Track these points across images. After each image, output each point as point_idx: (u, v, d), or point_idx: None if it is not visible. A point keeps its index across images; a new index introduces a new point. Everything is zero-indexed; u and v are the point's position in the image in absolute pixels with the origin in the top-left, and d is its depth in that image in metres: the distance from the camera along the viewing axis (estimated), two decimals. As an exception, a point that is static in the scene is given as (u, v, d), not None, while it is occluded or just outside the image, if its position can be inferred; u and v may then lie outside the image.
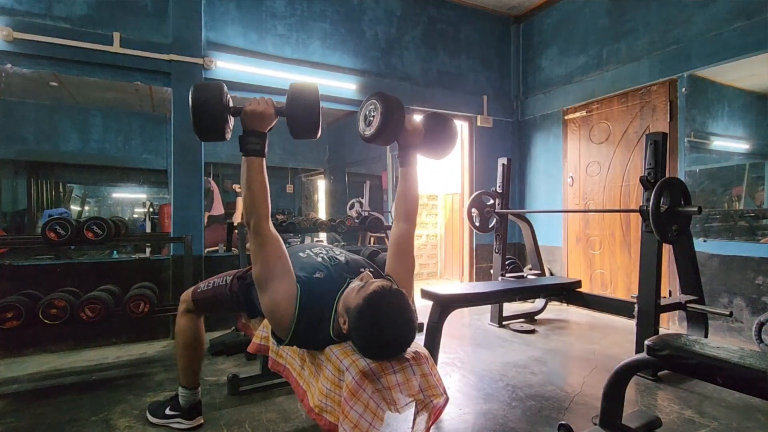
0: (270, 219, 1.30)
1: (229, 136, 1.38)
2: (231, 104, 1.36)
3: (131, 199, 5.15)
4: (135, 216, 5.01)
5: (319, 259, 1.44)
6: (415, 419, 1.26)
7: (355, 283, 1.28)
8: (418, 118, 1.57)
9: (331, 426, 1.18)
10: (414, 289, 1.54)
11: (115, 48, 2.96)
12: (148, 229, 4.56)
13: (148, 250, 3.98)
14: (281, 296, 1.25)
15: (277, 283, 1.26)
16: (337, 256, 1.49)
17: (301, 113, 1.34)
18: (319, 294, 1.29)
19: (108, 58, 2.96)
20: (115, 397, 2.10)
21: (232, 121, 1.39)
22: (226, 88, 1.34)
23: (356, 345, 1.21)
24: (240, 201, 4.73)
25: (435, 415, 1.26)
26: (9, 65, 2.81)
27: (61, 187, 4.65)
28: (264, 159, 1.31)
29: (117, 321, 2.42)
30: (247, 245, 2.74)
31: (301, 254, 1.49)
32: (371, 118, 1.42)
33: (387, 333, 1.16)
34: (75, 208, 4.78)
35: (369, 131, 1.43)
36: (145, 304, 2.41)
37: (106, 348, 2.90)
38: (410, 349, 1.26)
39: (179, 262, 3.00)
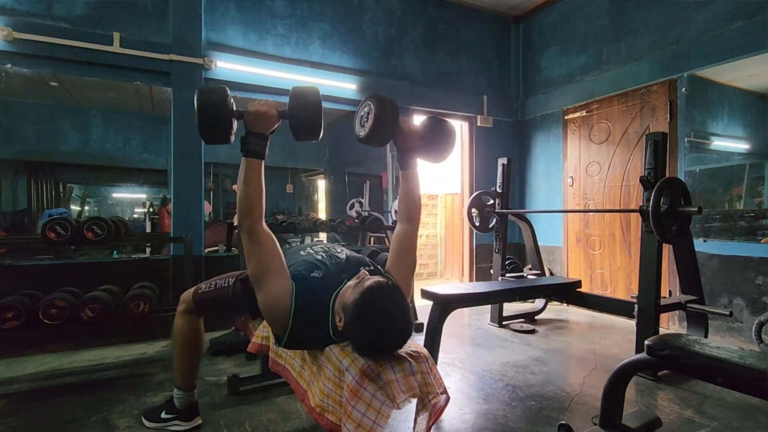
0: (263, 219, 1.31)
1: (233, 138, 1.39)
2: (234, 107, 1.36)
3: (131, 199, 5.14)
4: (135, 216, 5.00)
5: (319, 257, 1.44)
6: (416, 419, 1.26)
7: (352, 282, 1.28)
8: (417, 121, 1.59)
9: (333, 426, 1.18)
10: (413, 288, 1.54)
11: (115, 48, 2.96)
12: (148, 229, 4.56)
13: (148, 250, 3.98)
14: (278, 292, 1.26)
15: (272, 279, 1.27)
16: (338, 254, 1.49)
17: (303, 115, 1.35)
18: (317, 292, 1.30)
19: (108, 58, 2.96)
20: (115, 397, 2.10)
21: (235, 123, 1.40)
22: (229, 91, 1.35)
23: (351, 342, 1.21)
24: None
25: (436, 414, 1.26)
26: (9, 65, 2.81)
27: (61, 187, 4.65)
28: (263, 161, 1.31)
29: (117, 321, 2.42)
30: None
31: (301, 253, 1.49)
32: (365, 119, 1.46)
33: (382, 329, 1.15)
34: (75, 208, 4.77)
35: (363, 132, 1.46)
36: (145, 304, 2.42)
37: (106, 348, 2.90)
38: (409, 349, 1.25)
39: (179, 262, 3.00)
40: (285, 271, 1.31)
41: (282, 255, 1.33)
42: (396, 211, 3.52)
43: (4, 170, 4.26)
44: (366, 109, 1.47)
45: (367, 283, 1.20)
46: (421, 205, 1.57)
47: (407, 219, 1.52)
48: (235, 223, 2.85)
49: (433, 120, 1.58)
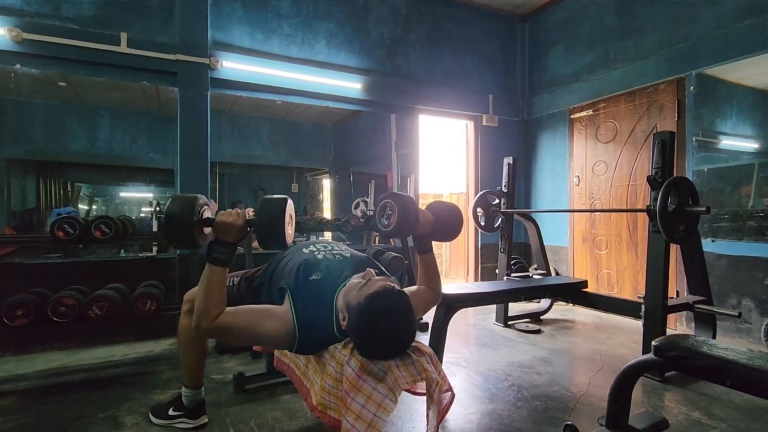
0: (223, 309, 1.29)
1: (203, 243, 1.41)
2: (205, 215, 1.40)
3: (138, 198, 5.17)
4: (142, 215, 5.04)
5: (320, 257, 1.45)
6: (428, 415, 1.27)
7: (357, 279, 1.28)
8: (425, 208, 1.67)
9: (336, 423, 1.18)
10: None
11: (123, 48, 2.98)
12: (155, 228, 4.58)
13: (155, 248, 4.00)
14: (272, 328, 1.27)
15: (259, 327, 1.27)
16: (342, 252, 1.51)
17: (266, 227, 1.37)
18: (317, 295, 1.31)
19: (115, 58, 2.98)
20: (122, 394, 2.12)
21: (208, 230, 1.43)
22: (201, 200, 1.39)
23: (354, 343, 1.22)
24: None
25: (442, 412, 1.26)
26: (18, 65, 2.84)
27: (69, 186, 4.69)
28: (227, 269, 1.32)
29: (124, 319, 2.45)
30: (253, 243, 2.75)
31: (303, 250, 1.50)
32: (389, 213, 1.54)
33: (385, 335, 1.17)
34: (83, 207, 4.80)
35: (389, 228, 1.53)
36: (152, 303, 2.43)
37: (114, 346, 2.92)
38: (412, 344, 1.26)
39: (186, 261, 3.02)
40: (261, 310, 1.32)
41: (244, 310, 1.31)
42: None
43: (13, 169, 4.31)
44: (387, 206, 1.54)
45: (374, 288, 1.20)
46: (440, 279, 1.66)
47: (433, 291, 1.61)
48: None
49: (440, 205, 1.67)
